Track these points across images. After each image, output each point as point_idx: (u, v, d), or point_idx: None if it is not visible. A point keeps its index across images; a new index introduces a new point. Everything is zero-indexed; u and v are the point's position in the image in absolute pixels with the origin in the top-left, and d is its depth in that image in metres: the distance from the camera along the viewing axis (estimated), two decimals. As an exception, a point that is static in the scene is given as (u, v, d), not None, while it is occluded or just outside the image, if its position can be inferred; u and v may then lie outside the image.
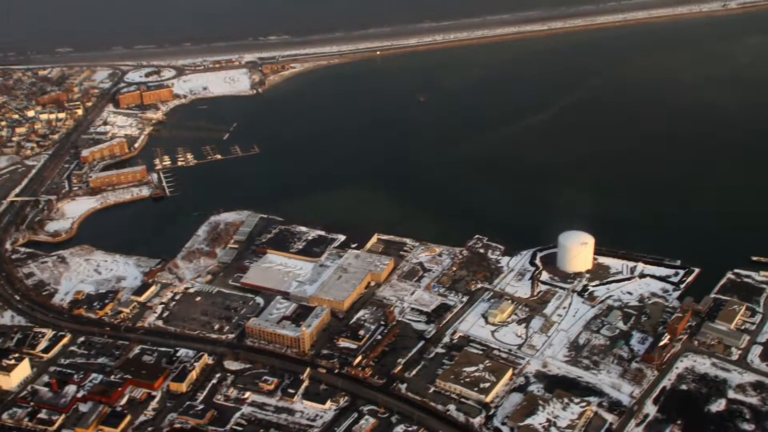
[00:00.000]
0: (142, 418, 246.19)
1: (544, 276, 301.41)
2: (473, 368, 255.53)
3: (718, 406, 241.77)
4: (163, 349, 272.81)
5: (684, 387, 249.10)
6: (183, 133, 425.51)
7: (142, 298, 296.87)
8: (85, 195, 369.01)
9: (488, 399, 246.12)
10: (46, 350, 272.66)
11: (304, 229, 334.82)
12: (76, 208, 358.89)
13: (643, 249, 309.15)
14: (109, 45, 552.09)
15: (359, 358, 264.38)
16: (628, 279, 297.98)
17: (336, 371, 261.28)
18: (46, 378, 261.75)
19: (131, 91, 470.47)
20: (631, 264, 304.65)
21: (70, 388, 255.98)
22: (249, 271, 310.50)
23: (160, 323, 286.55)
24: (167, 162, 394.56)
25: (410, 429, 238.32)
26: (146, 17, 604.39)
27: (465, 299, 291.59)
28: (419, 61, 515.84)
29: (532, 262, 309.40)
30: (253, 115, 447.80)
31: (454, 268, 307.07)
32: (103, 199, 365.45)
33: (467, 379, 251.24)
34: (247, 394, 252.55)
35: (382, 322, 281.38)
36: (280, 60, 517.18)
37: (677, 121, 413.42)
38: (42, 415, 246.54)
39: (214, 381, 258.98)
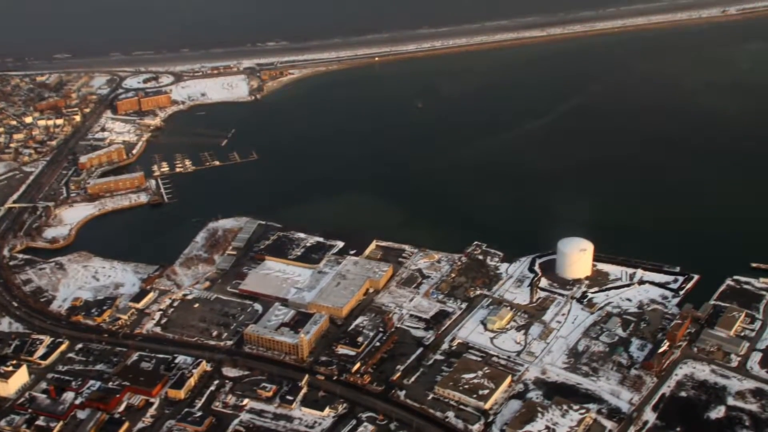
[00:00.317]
0: (140, 425, 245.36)
1: (543, 283, 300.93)
2: (472, 375, 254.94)
3: (718, 413, 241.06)
4: (161, 355, 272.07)
5: (683, 394, 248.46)
6: (181, 139, 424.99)
7: (140, 305, 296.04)
8: (83, 201, 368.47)
9: (487, 406, 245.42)
10: (43, 357, 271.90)
11: (302, 235, 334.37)
12: (74, 215, 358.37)
13: (643, 255, 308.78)
14: (107, 51, 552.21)
15: (358, 365, 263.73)
16: (628, 286, 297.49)
17: (334, 378, 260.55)
18: (44, 385, 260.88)
19: (129, 97, 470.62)
20: (631, 270, 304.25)
21: (68, 395, 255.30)
22: (247, 277, 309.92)
23: (158, 330, 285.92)
24: (165, 168, 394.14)
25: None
26: (144, 23, 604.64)
27: (464, 306, 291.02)
28: (418, 67, 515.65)
29: (531, 269, 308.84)
30: (252, 121, 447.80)
31: (453, 275, 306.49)
32: (101, 206, 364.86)
33: (466, 386, 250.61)
34: (246, 401, 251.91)
35: (381, 329, 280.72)
36: (279, 66, 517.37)
37: (677, 127, 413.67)
38: (40, 422, 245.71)
39: (212, 388, 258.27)
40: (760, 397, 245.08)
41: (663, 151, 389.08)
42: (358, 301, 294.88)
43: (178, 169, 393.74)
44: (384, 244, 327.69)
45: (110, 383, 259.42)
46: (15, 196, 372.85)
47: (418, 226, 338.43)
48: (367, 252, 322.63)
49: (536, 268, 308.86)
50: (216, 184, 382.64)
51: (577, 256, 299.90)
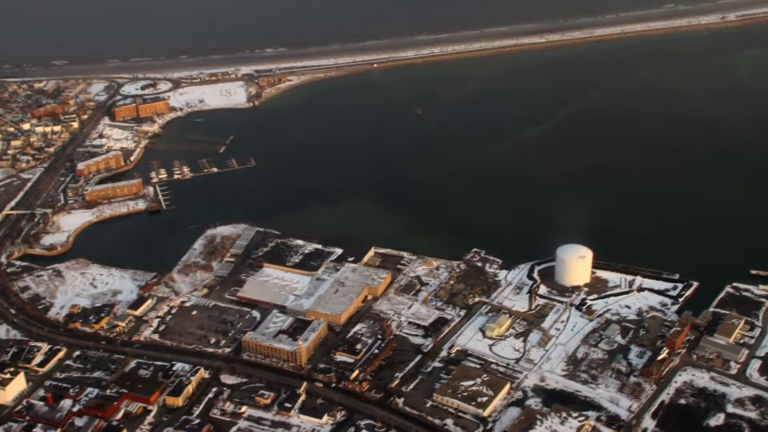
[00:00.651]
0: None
1: (542, 290, 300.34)
2: (471, 382, 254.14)
3: (717, 420, 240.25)
4: (159, 363, 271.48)
5: (683, 401, 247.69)
6: (179, 146, 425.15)
7: (138, 312, 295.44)
8: (81, 208, 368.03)
9: (486, 413, 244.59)
10: (41, 364, 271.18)
11: (300, 242, 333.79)
12: (71, 222, 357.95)
13: (642, 262, 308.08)
14: (104, 58, 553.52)
15: (356, 372, 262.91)
16: (627, 293, 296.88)
17: (333, 385, 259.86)
18: (41, 392, 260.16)
19: (127, 103, 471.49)
20: (630, 277, 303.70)
21: (66, 403, 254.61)
22: (245, 284, 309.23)
23: (156, 337, 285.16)
24: (163, 175, 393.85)
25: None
26: (142, 30, 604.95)
27: (463, 313, 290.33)
28: (417, 74, 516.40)
29: (530, 276, 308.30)
30: (250, 128, 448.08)
31: (452, 282, 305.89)
32: (99, 213, 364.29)
33: (465, 394, 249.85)
34: (244, 408, 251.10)
35: (380, 336, 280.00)
36: (277, 73, 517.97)
37: (676, 134, 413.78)
38: (38, 429, 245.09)
39: (210, 395, 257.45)
40: (759, 404, 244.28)
41: (663, 158, 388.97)
42: (356, 308, 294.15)
43: (176, 176, 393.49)
44: (382, 251, 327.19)
45: (108, 390, 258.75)
46: (13, 203, 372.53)
47: (417, 233, 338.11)
48: (365, 259, 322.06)
49: (535, 275, 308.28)
50: (214, 191, 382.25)
51: (576, 263, 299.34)
